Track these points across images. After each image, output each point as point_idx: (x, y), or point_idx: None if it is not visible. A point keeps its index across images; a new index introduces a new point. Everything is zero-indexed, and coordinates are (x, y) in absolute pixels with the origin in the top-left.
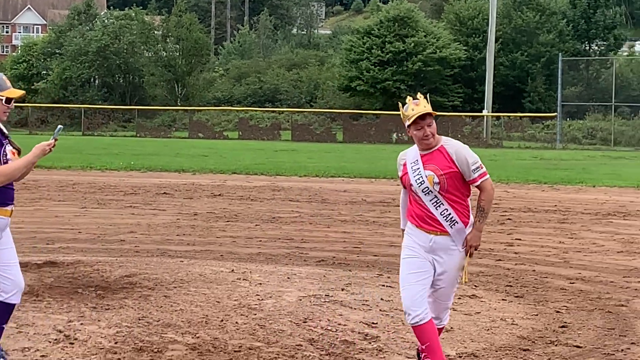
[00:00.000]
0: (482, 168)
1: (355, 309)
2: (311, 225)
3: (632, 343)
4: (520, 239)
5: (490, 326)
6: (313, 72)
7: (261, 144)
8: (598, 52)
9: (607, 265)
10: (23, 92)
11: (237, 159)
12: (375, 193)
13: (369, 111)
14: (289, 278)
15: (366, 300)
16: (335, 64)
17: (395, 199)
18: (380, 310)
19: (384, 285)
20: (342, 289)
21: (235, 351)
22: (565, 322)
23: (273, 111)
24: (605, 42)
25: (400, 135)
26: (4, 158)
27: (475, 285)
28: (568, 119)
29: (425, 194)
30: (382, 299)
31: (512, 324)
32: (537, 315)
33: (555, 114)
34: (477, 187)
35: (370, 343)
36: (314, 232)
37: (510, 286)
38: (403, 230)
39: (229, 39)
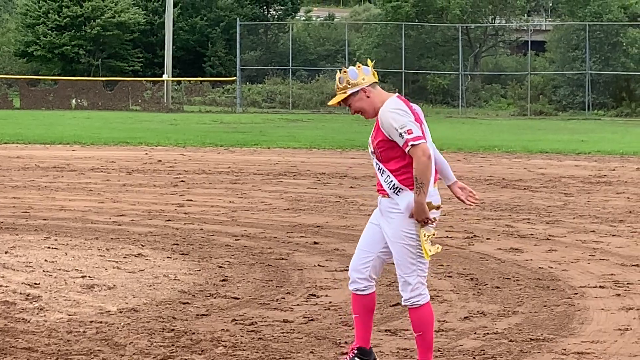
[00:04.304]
0: (409, 133)
1: (18, 270)
2: None
3: (287, 293)
4: (191, 200)
5: (152, 282)
6: None
7: None
8: (276, 17)
9: (273, 222)
10: None
11: None
12: (50, 159)
13: (47, 77)
14: None
15: (30, 262)
16: (11, 28)
17: (70, 164)
18: (43, 271)
19: (49, 248)
20: (6, 252)
21: None
22: (226, 276)
23: None
24: (283, 7)
25: (79, 101)
26: None
27: (142, 245)
28: (248, 83)
29: (373, 159)
30: (46, 260)
31: (174, 279)
32: (199, 270)
33: (235, 78)
34: (409, 154)
35: (31, 302)
36: None
37: (177, 244)
38: None
39: None
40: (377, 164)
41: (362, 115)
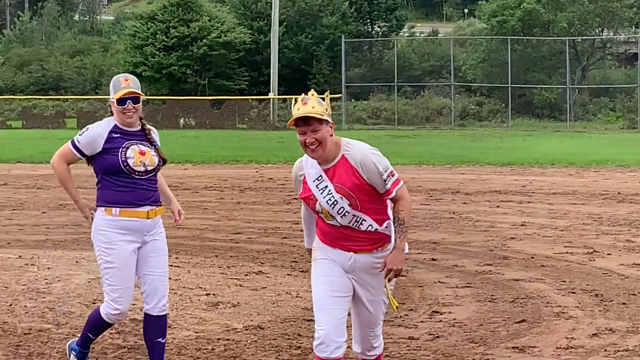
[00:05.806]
0: (393, 175)
1: None
2: None
3: (410, 310)
4: None
5: (276, 300)
6: (97, 59)
7: (46, 132)
8: (380, 33)
9: None
10: (129, 90)
11: (21, 148)
12: (163, 177)
13: (155, 97)
14: (77, 262)
15: None
16: (120, 50)
17: (184, 182)
18: (169, 288)
19: (172, 266)
20: None
21: (25, 334)
22: None
23: (57, 99)
24: (387, 24)
25: (187, 120)
26: (123, 157)
27: (261, 262)
28: (353, 100)
29: (342, 216)
30: (170, 278)
31: (296, 297)
32: None
33: (340, 95)
34: (392, 199)
35: None
36: None
37: (296, 262)
38: (309, 250)
39: (9, 26)
40: (352, 218)
41: (310, 151)
